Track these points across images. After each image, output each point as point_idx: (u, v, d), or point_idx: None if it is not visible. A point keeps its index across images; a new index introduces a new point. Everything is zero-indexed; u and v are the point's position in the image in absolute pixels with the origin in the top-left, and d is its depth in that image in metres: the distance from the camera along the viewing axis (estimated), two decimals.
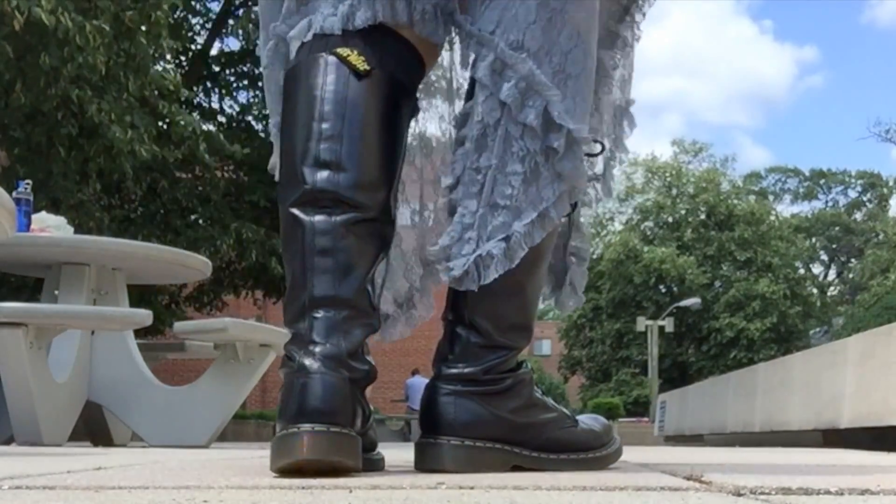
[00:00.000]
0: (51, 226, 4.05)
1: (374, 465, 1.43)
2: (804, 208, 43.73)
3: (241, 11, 13.75)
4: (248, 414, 17.12)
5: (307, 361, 1.23)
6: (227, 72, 14.49)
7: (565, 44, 1.37)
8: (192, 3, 13.83)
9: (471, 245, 1.36)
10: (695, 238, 34.23)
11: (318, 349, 1.24)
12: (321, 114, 1.32)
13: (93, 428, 4.30)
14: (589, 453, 1.51)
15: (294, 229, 1.30)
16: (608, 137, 1.61)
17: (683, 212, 35.34)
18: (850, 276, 40.90)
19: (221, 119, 14.57)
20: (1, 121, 9.05)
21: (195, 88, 13.47)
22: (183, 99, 11.04)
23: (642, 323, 28.67)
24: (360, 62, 1.34)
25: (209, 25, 14.43)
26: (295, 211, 1.30)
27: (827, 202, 43.75)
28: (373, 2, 1.37)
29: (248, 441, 10.00)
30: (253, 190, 12.55)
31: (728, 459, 2.18)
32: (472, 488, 1.03)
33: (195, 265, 4.32)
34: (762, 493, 0.99)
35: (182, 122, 10.08)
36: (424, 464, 1.37)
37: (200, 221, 12.25)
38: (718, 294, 33.41)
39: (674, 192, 36.01)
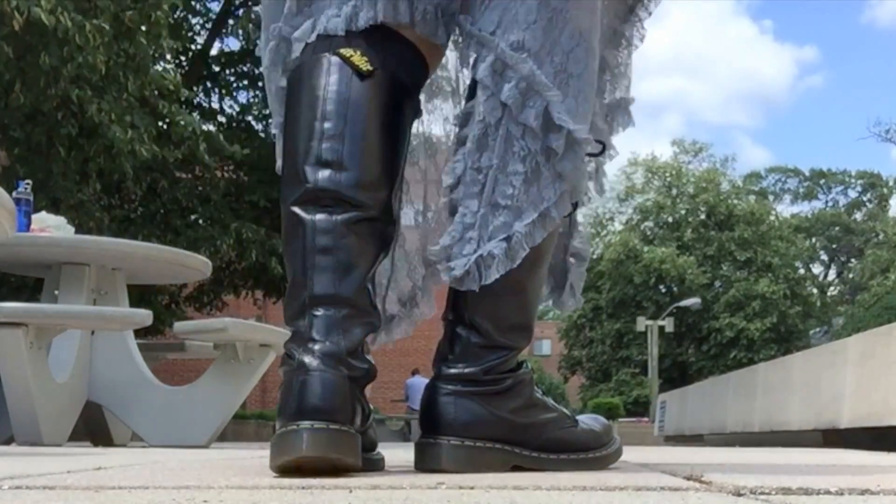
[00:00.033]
0: (51, 226, 4.05)
1: (374, 465, 1.43)
2: (804, 208, 43.80)
3: (241, 11, 13.75)
4: (248, 414, 17.12)
5: (306, 359, 1.23)
6: (227, 72, 14.50)
7: (567, 43, 1.37)
8: (192, 3, 13.84)
9: (472, 245, 1.36)
10: (695, 238, 34.24)
11: (317, 347, 1.24)
12: (323, 113, 1.33)
13: (93, 428, 4.30)
14: (589, 453, 1.51)
15: (295, 228, 1.30)
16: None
17: (683, 212, 35.35)
18: (850, 276, 40.91)
19: (221, 119, 14.58)
20: (1, 121, 9.05)
21: (195, 88, 13.47)
22: (183, 99, 11.04)
23: (642, 323, 28.68)
24: (362, 63, 1.35)
25: (209, 25, 14.43)
26: (296, 209, 1.31)
27: (827, 202, 43.81)
28: (374, 2, 1.38)
29: (248, 441, 10.00)
30: (253, 190, 12.55)
31: (728, 459, 2.18)
32: (472, 488, 1.03)
33: (195, 265, 4.32)
34: (762, 493, 0.99)
35: (182, 122, 10.08)
36: (424, 464, 1.37)
37: (200, 221, 12.25)
38: (718, 294, 33.42)
39: (674, 192, 36.01)
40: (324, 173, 1.30)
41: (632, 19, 1.58)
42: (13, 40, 7.88)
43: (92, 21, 8.00)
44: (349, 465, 1.22)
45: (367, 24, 1.37)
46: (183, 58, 13.70)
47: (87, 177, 9.88)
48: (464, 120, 1.42)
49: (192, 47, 14.13)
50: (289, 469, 1.20)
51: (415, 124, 1.54)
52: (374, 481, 1.14)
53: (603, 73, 1.54)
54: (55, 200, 8.73)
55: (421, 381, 15.14)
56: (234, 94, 14.62)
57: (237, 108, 14.60)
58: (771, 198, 42.39)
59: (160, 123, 10.23)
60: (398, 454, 1.93)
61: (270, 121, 1.54)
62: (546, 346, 46.65)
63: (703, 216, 34.93)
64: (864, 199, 42.97)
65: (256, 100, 14.11)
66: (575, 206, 1.48)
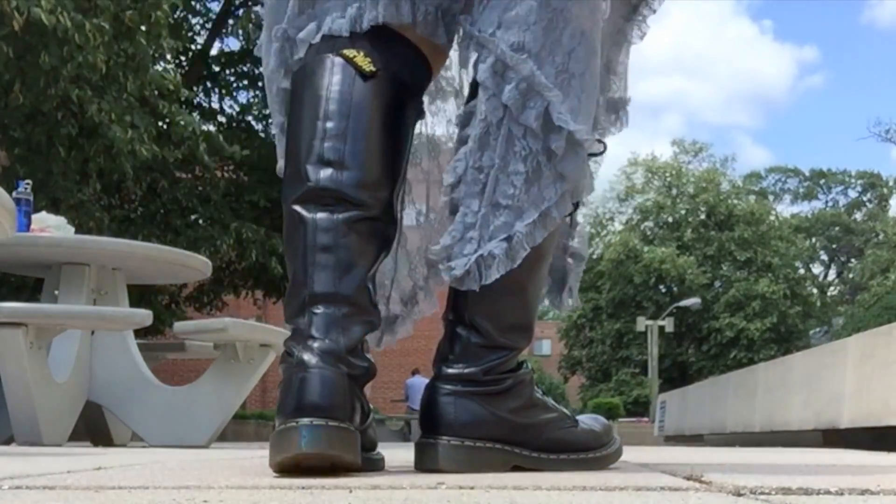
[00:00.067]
0: (51, 226, 4.05)
1: (374, 465, 1.43)
2: (804, 208, 43.80)
3: (241, 11, 13.74)
4: (248, 414, 17.11)
5: (305, 356, 1.24)
6: (227, 72, 14.49)
7: (568, 43, 1.37)
8: (192, 3, 13.84)
9: (472, 245, 1.36)
10: (695, 238, 34.24)
11: (316, 344, 1.25)
12: (326, 113, 1.33)
13: (93, 428, 4.30)
14: (589, 453, 1.51)
15: (296, 226, 1.31)
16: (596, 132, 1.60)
17: (683, 212, 35.35)
18: (850, 276, 40.91)
19: (221, 119, 14.58)
20: (1, 121, 9.05)
21: (195, 88, 13.47)
22: (183, 99, 11.04)
23: (642, 323, 28.68)
24: (366, 63, 1.35)
25: (209, 25, 14.43)
26: (297, 208, 1.31)
27: (827, 202, 43.81)
28: (377, 3, 1.38)
29: (248, 441, 10.00)
30: (253, 190, 12.55)
31: (728, 459, 2.18)
32: (472, 488, 1.03)
33: (195, 265, 4.32)
34: (762, 493, 0.99)
35: (182, 122, 10.08)
36: (424, 464, 1.37)
37: (200, 221, 12.24)
38: (718, 294, 33.42)
39: (674, 192, 36.01)
40: (325, 172, 1.31)
41: (634, 17, 1.58)
42: (13, 40, 7.87)
43: (92, 21, 7.99)
44: (348, 463, 1.22)
45: (370, 24, 1.38)
46: (183, 58, 13.69)
47: (87, 177, 9.88)
48: (465, 119, 1.42)
49: (192, 47, 14.12)
50: (288, 466, 1.20)
51: (418, 125, 1.54)
52: (374, 481, 1.14)
53: (607, 72, 1.54)
54: (55, 200, 8.73)
55: (421, 381, 15.13)
56: (234, 94, 14.62)
57: (237, 109, 14.62)
58: (771, 198, 42.40)
59: (160, 123, 10.23)
60: (398, 454, 1.93)
61: (270, 121, 1.55)
62: (546, 346, 46.65)
63: (703, 216, 34.93)
64: (864, 199, 42.98)
65: (256, 100, 14.11)
66: (576, 206, 1.48)
